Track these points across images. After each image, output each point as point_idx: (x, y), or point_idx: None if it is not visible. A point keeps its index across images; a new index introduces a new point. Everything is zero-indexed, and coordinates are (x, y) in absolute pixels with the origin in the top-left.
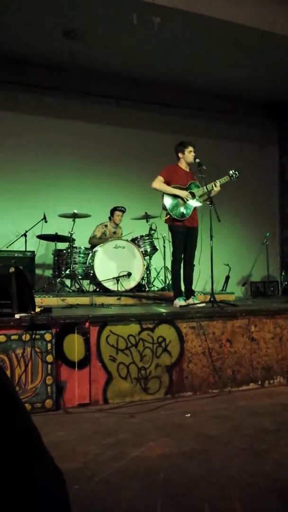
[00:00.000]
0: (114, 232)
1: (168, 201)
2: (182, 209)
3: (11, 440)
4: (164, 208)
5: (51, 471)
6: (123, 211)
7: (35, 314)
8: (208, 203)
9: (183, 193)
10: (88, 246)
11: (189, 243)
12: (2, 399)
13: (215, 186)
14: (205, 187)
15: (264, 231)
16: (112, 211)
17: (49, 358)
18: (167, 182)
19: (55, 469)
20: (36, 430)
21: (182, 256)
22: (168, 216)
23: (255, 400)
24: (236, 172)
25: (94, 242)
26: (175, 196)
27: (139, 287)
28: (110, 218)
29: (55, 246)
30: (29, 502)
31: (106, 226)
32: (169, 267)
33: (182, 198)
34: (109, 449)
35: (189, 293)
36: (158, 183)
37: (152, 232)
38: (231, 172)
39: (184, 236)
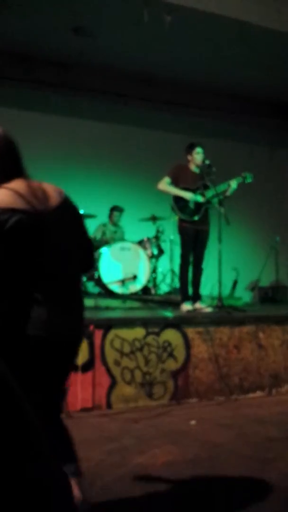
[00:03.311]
0: (115, 232)
1: (177, 202)
2: (190, 211)
3: (22, 446)
4: (173, 209)
5: (57, 475)
6: (121, 211)
7: None
8: (217, 205)
9: (187, 195)
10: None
11: (198, 245)
12: (18, 407)
13: (229, 185)
14: (214, 188)
15: (274, 235)
16: (111, 211)
17: None
18: (175, 182)
19: (61, 473)
20: (44, 434)
21: (191, 259)
22: (177, 217)
23: (261, 408)
24: (251, 175)
25: (96, 243)
26: (183, 197)
27: (145, 290)
28: (109, 218)
29: None
30: (37, 505)
31: (105, 225)
32: (176, 270)
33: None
34: (112, 455)
35: (196, 297)
36: (163, 185)
37: (159, 234)
38: (243, 173)
39: (193, 238)
